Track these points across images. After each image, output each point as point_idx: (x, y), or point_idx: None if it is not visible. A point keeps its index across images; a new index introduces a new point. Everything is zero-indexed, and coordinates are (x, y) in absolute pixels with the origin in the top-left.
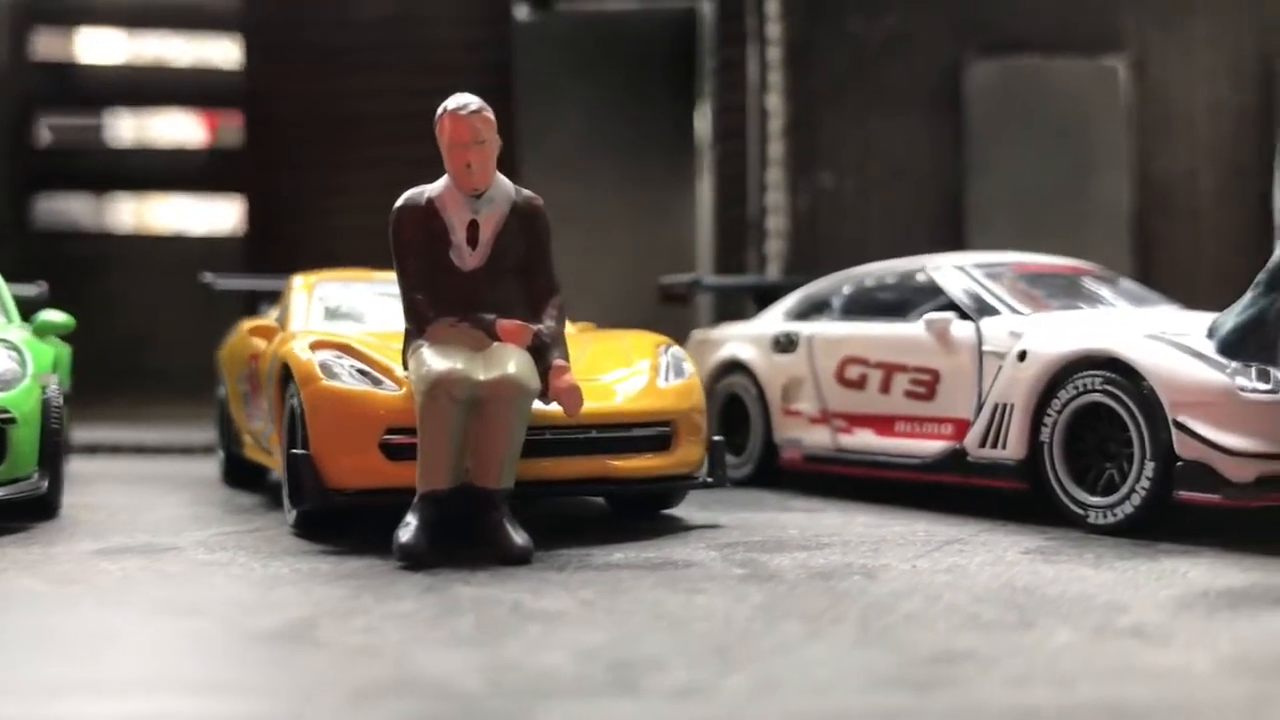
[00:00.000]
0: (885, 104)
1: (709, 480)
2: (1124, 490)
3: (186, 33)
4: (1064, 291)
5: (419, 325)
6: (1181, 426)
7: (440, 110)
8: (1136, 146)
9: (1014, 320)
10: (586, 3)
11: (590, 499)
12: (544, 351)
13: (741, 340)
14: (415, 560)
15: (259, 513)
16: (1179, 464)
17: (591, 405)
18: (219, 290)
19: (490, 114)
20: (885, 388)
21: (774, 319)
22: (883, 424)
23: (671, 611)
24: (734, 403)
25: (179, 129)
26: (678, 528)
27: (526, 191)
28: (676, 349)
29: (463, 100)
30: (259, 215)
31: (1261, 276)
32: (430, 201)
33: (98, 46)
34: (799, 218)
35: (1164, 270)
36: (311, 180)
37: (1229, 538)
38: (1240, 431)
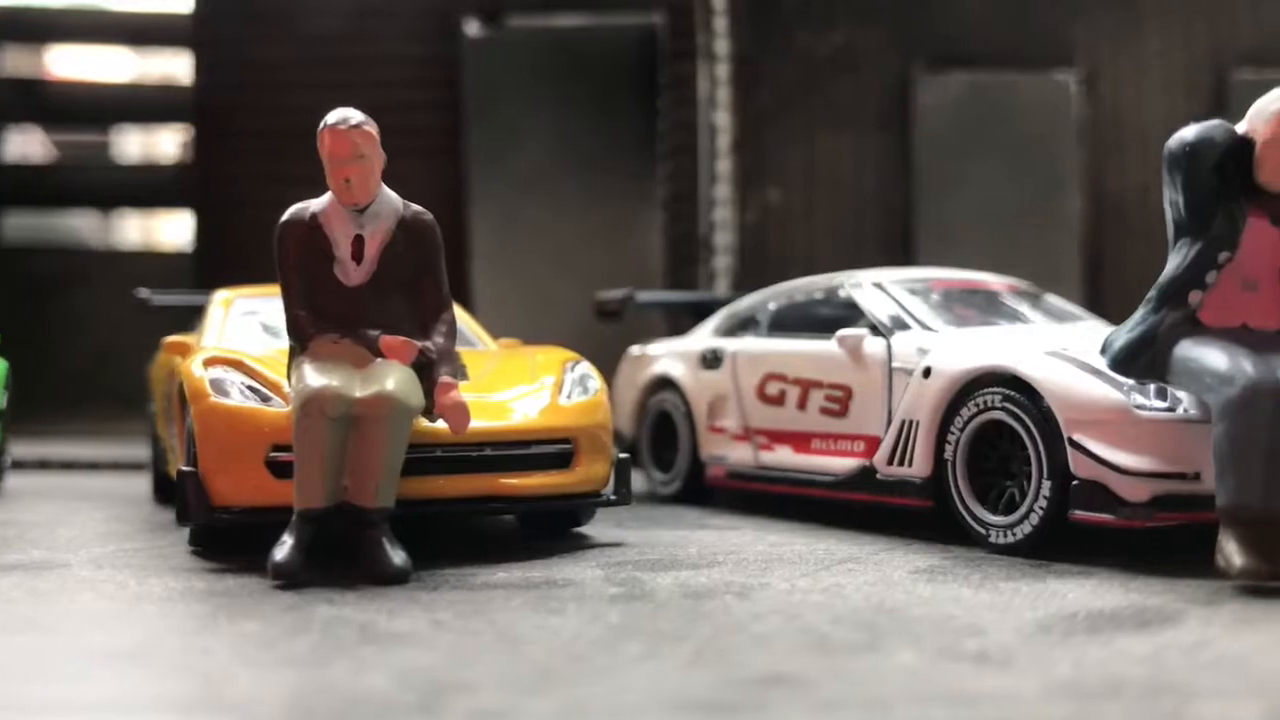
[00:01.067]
0: (833, 120)
1: (613, 498)
2: (1023, 510)
3: (143, 49)
4: (982, 308)
5: (301, 342)
6: (1076, 445)
7: (321, 124)
8: (1089, 162)
9: (923, 337)
10: (537, 18)
11: (505, 517)
12: (430, 368)
13: (671, 357)
14: (289, 579)
15: (171, 530)
16: (1074, 483)
17: (487, 423)
18: (155, 306)
19: (373, 129)
20: (802, 404)
21: (703, 335)
22: (800, 441)
23: (520, 633)
24: (665, 419)
25: (154, 144)
26: (579, 546)
27: (415, 206)
28: (584, 366)
29: (343, 115)
30: (208, 230)
31: (1152, 293)
32: (314, 216)
33: (67, 62)
34: (746, 234)
35: (1116, 287)
36: (260, 195)
37: (1130, 557)
38: (1135, 450)
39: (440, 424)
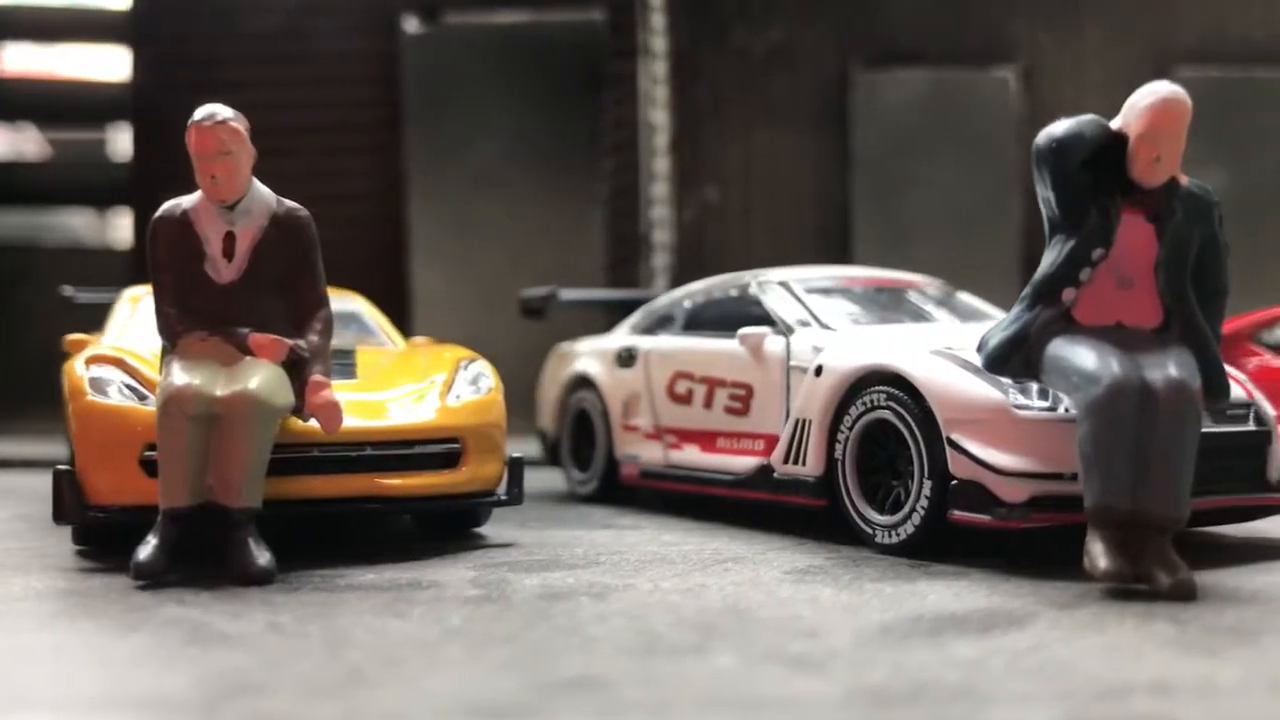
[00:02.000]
0: (771, 118)
1: (503, 498)
2: (906, 509)
3: (82, 45)
4: (887, 307)
5: (170, 340)
6: (955, 445)
7: (190, 121)
8: (1027, 159)
9: (820, 335)
10: (477, 15)
11: (405, 516)
12: (301, 367)
13: (590, 355)
14: (152, 579)
15: (66, 529)
16: (953, 483)
17: (368, 422)
18: (80, 304)
19: (240, 125)
20: (708, 403)
21: (622, 333)
22: (707, 440)
23: (351, 636)
24: (585, 418)
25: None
26: (467, 546)
27: (290, 203)
28: (478, 365)
29: (209, 111)
30: (146, 228)
31: (1026, 291)
32: (185, 214)
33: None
34: (685, 232)
35: None
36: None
37: (1017, 558)
38: (1013, 450)
39: (313, 423)
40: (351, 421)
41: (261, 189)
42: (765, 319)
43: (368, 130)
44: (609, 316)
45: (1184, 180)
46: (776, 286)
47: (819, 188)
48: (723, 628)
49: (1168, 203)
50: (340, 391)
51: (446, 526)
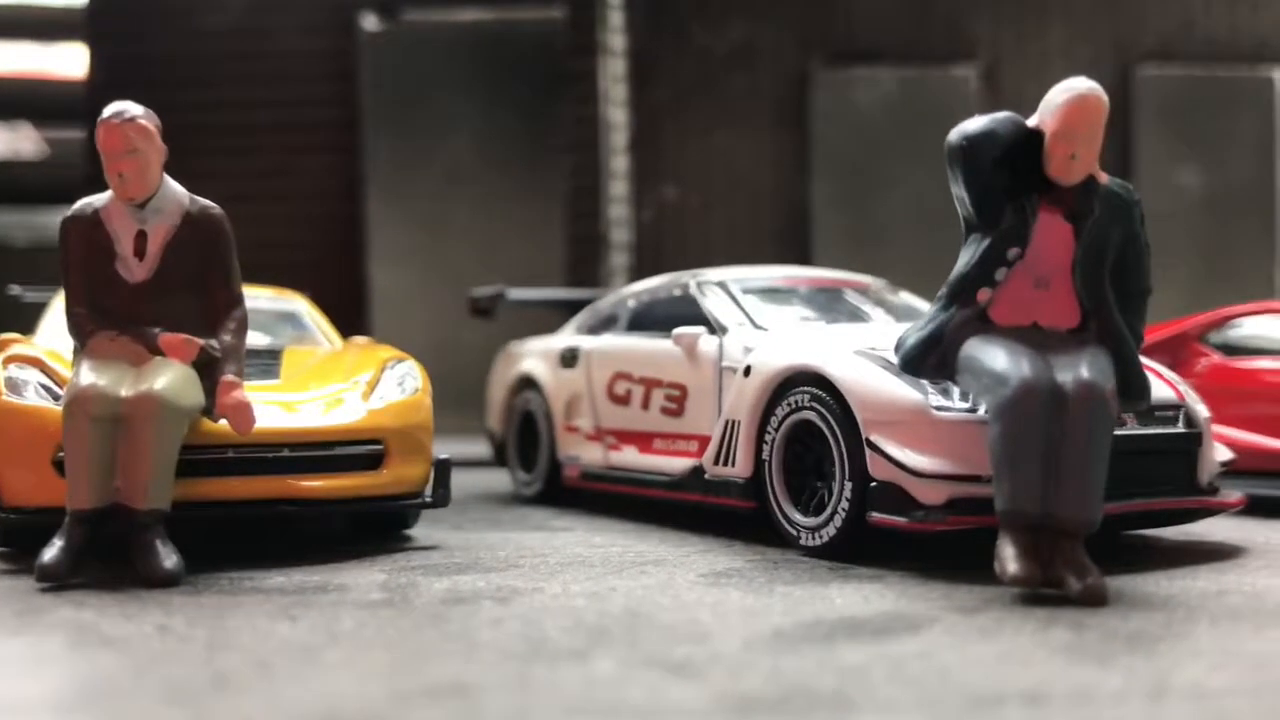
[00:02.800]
0: (730, 116)
1: (428, 500)
2: (828, 512)
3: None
4: (823, 307)
5: (80, 340)
6: (874, 446)
7: (99, 118)
8: None
9: (752, 335)
10: (436, 12)
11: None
12: (213, 367)
13: (536, 355)
14: (54, 581)
15: None
16: (872, 485)
17: (286, 423)
18: (27, 303)
19: (150, 123)
20: (646, 404)
21: (567, 333)
22: (644, 441)
23: (237, 641)
24: (530, 419)
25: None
26: (389, 549)
27: (203, 201)
28: (406, 365)
29: (118, 108)
30: None
31: (943, 291)
32: (97, 213)
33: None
34: (643, 231)
35: None
36: None
37: (937, 561)
38: (930, 452)
39: (224, 423)
40: (268, 422)
41: (174, 187)
42: (704, 319)
43: (326, 129)
44: (564, 316)
45: (1104, 178)
46: (714, 286)
47: (779, 187)
48: (615, 633)
49: (1086, 201)
50: (260, 392)
51: (375, 528)
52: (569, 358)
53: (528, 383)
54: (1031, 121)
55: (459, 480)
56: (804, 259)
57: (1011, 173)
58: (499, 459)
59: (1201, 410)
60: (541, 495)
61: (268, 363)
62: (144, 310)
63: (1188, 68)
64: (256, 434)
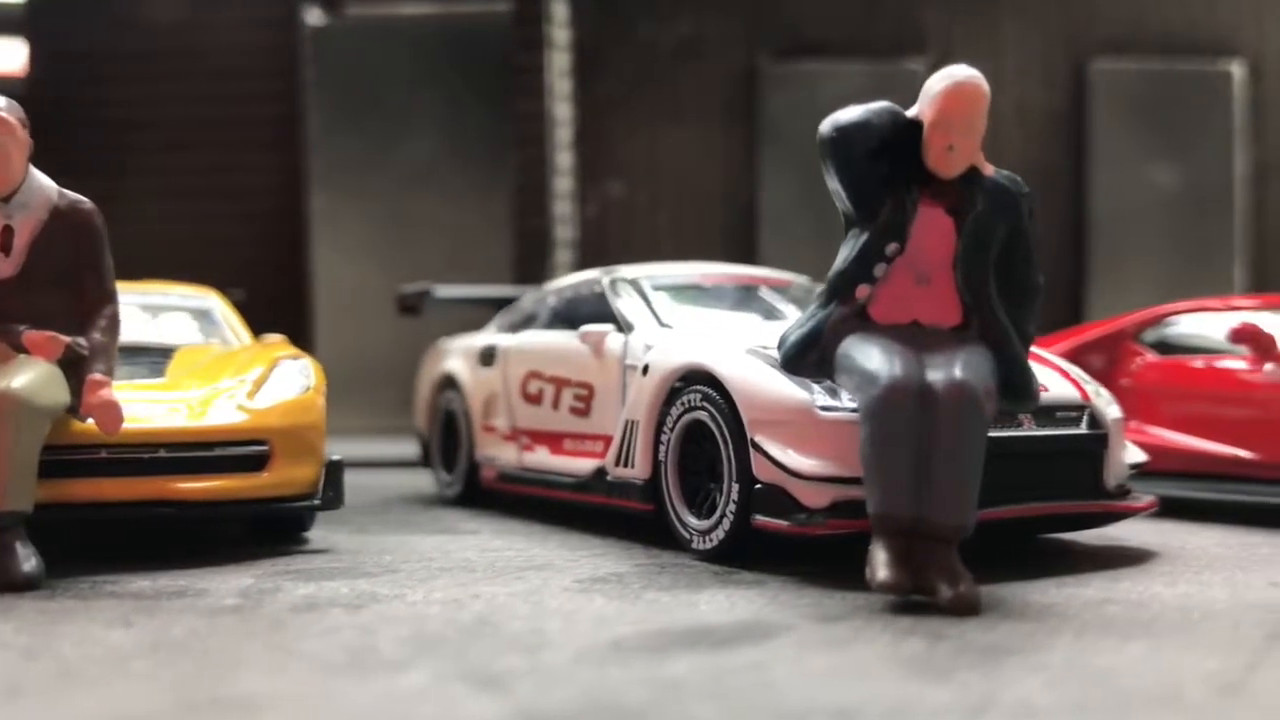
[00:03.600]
0: (677, 112)
1: (316, 503)
2: (717, 515)
3: None
4: (736, 304)
5: None
6: (758, 447)
7: None
8: None
9: (654, 333)
10: (381, 6)
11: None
12: (80, 365)
13: (457, 354)
14: None
15: None
16: (757, 487)
17: (162, 423)
18: None
19: (11, 115)
20: (556, 403)
21: (489, 331)
22: (555, 441)
23: (55, 648)
24: (453, 418)
25: None
26: (276, 551)
27: (73, 195)
28: (296, 364)
29: None
30: None
31: (823, 287)
32: None
33: None
34: (588, 228)
35: None
36: (91, 188)
37: (832, 565)
38: (814, 453)
39: (91, 423)
40: (144, 422)
41: (41, 180)
42: (615, 317)
43: (268, 124)
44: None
45: (989, 170)
46: (626, 284)
47: (726, 183)
48: (450, 643)
49: (968, 194)
50: (139, 391)
51: (270, 530)
52: (487, 356)
53: (450, 382)
54: (911, 112)
55: (389, 481)
56: (752, 256)
57: (890, 165)
58: (424, 459)
59: (1110, 411)
60: (462, 497)
61: (156, 361)
62: (10, 307)
63: (1143, 61)
64: (131, 434)
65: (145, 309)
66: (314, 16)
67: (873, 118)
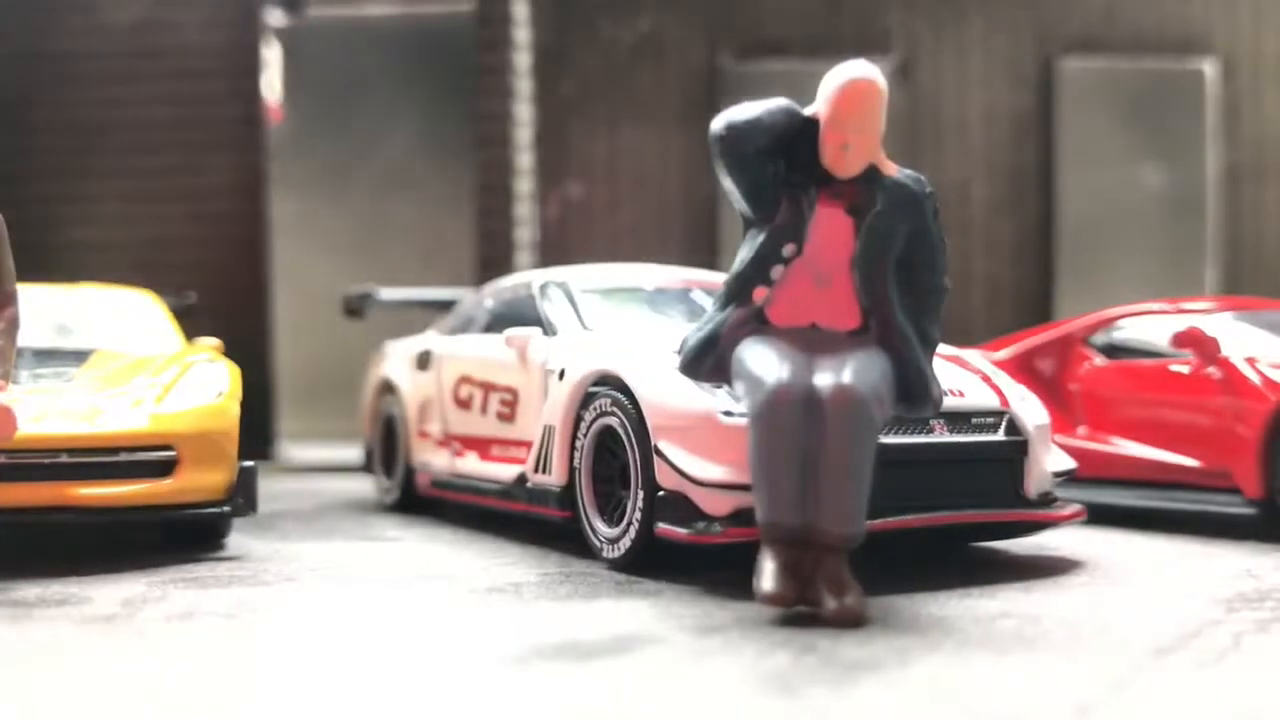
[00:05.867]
0: (637, 112)
1: (225, 509)
2: (625, 522)
3: None
4: (664, 307)
5: None
6: (660, 453)
7: None
8: (904, 154)
9: (576, 337)
10: (344, 6)
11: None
12: None
13: (397, 358)
14: None
15: None
16: (660, 494)
17: (63, 428)
18: None
19: None
20: (484, 408)
21: (428, 335)
22: (484, 447)
23: None
24: (393, 423)
25: None
26: (183, 559)
27: None
28: (213, 369)
29: None
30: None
31: (720, 290)
32: None
33: None
34: (548, 229)
35: None
36: (57, 191)
37: (744, 573)
38: (716, 460)
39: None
40: (46, 427)
41: None
42: (541, 320)
43: (229, 125)
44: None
45: (891, 169)
46: (555, 287)
47: (686, 183)
48: (288, 662)
49: (867, 194)
50: (42, 395)
51: (186, 537)
52: (423, 360)
53: (389, 386)
54: (809, 110)
55: (340, 486)
56: (712, 257)
57: (786, 164)
58: (367, 465)
59: (1033, 418)
60: (400, 503)
61: (68, 365)
62: None
63: (1113, 59)
64: (31, 439)
65: (73, 311)
66: (275, 17)
67: (765, 116)
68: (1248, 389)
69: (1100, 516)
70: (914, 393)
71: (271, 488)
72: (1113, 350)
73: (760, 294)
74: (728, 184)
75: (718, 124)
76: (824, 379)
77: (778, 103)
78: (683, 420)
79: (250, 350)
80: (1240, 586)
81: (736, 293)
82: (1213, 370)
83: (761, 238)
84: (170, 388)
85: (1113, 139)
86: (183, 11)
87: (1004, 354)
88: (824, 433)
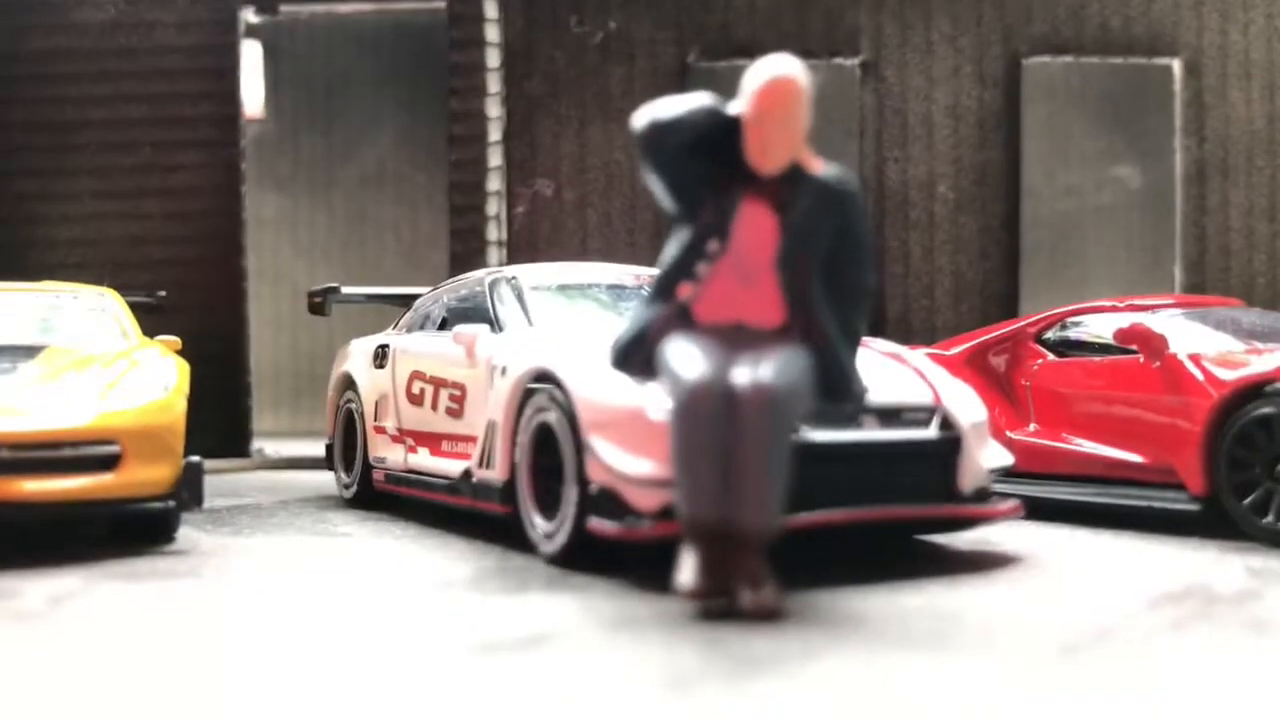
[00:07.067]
0: (606, 110)
1: (170, 505)
2: (559, 518)
3: None
4: (612, 304)
5: None
6: (591, 448)
7: None
8: (870, 153)
9: (521, 333)
10: (317, 4)
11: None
12: None
13: (357, 354)
14: None
15: None
16: (590, 489)
17: (1, 424)
18: None
19: None
20: (435, 404)
21: (386, 332)
22: (435, 442)
23: None
24: (352, 419)
25: None
26: (130, 553)
27: None
28: (161, 364)
29: None
30: None
31: (651, 285)
32: None
33: None
34: (517, 227)
35: (898, 285)
36: (29, 189)
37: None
38: (645, 455)
39: None
40: None
41: None
42: (490, 317)
43: (205, 123)
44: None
45: (816, 167)
46: (505, 284)
47: None
48: (184, 655)
49: (790, 192)
50: None
51: (135, 531)
52: (380, 357)
53: (350, 382)
54: (732, 107)
55: (312, 481)
56: None
57: (710, 161)
58: (328, 460)
59: (967, 414)
60: (359, 499)
61: (17, 360)
62: None
63: (1080, 57)
64: None
65: (29, 309)
66: (249, 15)
67: (688, 114)
68: (1192, 385)
69: (1051, 513)
70: (835, 387)
71: (242, 483)
72: (1063, 347)
73: (685, 291)
74: (652, 180)
75: (640, 120)
76: (741, 376)
77: (701, 99)
78: (613, 416)
79: (226, 348)
80: (1169, 584)
81: (663, 290)
82: (1159, 367)
83: (687, 235)
84: (115, 383)
85: (1080, 137)
86: (158, 10)
87: (957, 351)
88: (740, 429)
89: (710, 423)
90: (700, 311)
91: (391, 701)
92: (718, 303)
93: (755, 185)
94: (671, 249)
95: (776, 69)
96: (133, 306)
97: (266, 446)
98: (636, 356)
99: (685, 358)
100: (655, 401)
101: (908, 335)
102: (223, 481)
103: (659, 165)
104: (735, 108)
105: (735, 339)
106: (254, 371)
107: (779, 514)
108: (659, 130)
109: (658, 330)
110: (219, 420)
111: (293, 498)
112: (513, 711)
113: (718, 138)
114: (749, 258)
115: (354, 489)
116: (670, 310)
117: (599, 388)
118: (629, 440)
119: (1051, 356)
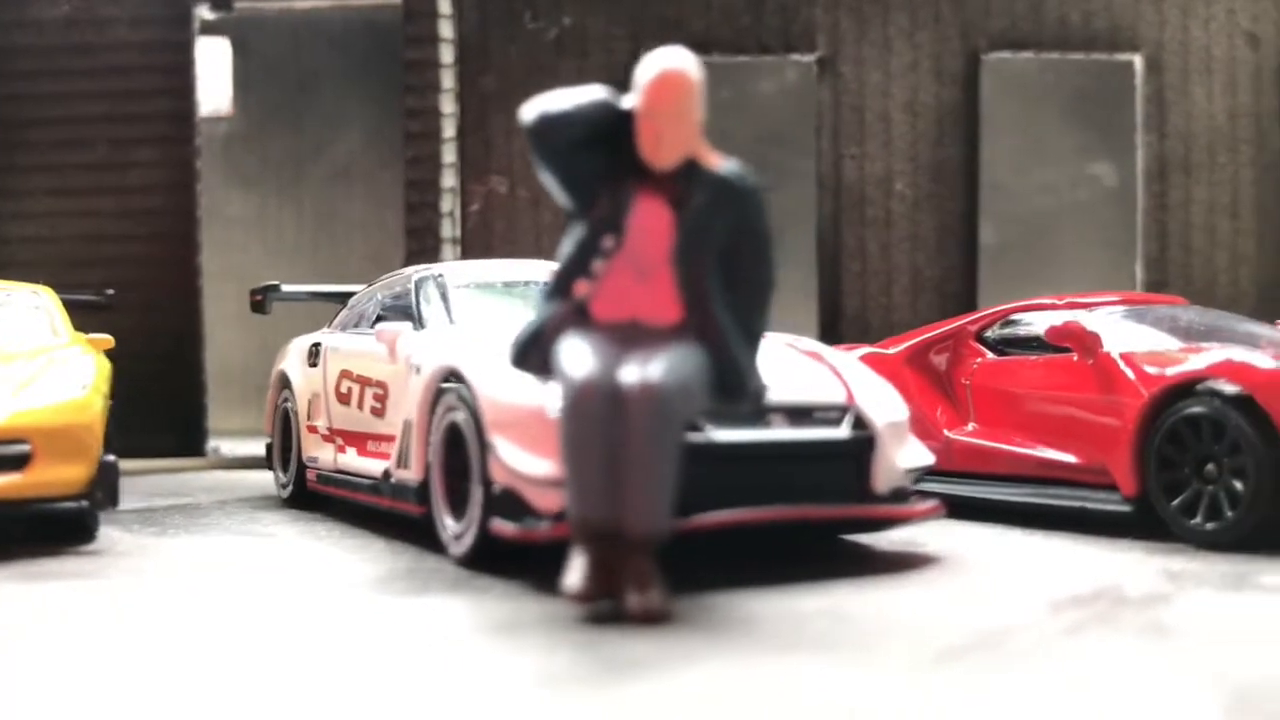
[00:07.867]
0: None
1: (83, 504)
2: (466, 518)
3: None
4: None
5: None
6: (493, 448)
7: None
8: (827, 150)
9: (440, 332)
10: (270, 1)
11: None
12: None
13: (294, 353)
14: None
15: None
16: (492, 490)
17: None
18: None
19: None
20: (361, 403)
21: (321, 331)
22: (361, 442)
23: None
24: (289, 418)
25: None
26: (47, 552)
27: None
28: (80, 362)
29: None
30: None
31: (549, 282)
32: None
33: None
34: (471, 224)
35: (855, 282)
36: None
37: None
38: (545, 456)
39: None
40: None
41: None
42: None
43: (160, 120)
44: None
45: (714, 162)
46: (430, 282)
47: None
48: (92, 658)
49: (685, 187)
50: None
51: (57, 531)
52: (314, 355)
53: (286, 381)
54: (627, 101)
55: (253, 481)
56: None
57: (604, 156)
58: (267, 460)
59: (883, 413)
60: (295, 498)
61: None
62: None
63: (1040, 53)
64: None
65: None
66: (204, 11)
67: (578, 108)
68: (1124, 384)
69: (988, 514)
70: (730, 386)
71: (190, 483)
72: (1003, 345)
73: (582, 288)
74: (543, 175)
75: (529, 114)
76: (630, 375)
77: (593, 92)
78: (515, 415)
79: (181, 346)
80: (1080, 586)
81: (560, 287)
82: (1092, 365)
83: (582, 231)
84: (29, 382)
85: (1040, 134)
86: (113, 7)
87: (898, 350)
88: (627, 429)
89: (597, 422)
90: (596, 309)
91: (256, 703)
92: (613, 299)
93: (650, 180)
94: (567, 245)
95: (667, 62)
96: (82, 305)
97: (223, 445)
98: (534, 355)
99: (575, 356)
100: (555, 401)
101: (865, 333)
102: (172, 480)
103: (549, 159)
104: (629, 101)
105: (630, 336)
106: (216, 370)
107: (668, 516)
108: (549, 123)
109: (554, 328)
110: (173, 419)
111: (234, 498)
112: (371, 713)
113: (611, 132)
114: (644, 254)
115: (289, 489)
116: (567, 307)
117: (501, 387)
118: (529, 440)
119: (991, 355)
